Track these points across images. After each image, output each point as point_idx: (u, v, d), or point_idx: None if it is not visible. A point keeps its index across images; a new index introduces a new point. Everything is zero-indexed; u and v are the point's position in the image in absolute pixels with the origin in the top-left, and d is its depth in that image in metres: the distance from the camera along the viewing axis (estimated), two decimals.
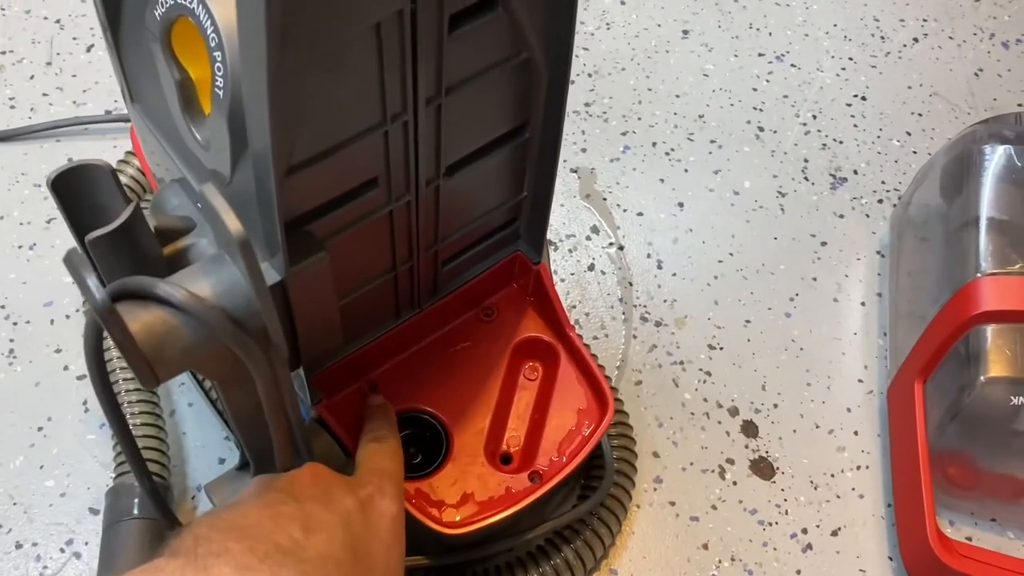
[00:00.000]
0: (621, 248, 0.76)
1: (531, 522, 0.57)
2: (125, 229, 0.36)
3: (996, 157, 0.65)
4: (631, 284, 0.74)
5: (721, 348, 0.71)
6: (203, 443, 0.63)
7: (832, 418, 0.68)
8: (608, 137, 0.83)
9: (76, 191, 0.37)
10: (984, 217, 0.62)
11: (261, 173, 0.36)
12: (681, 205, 0.79)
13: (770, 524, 0.63)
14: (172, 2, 0.37)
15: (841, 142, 0.84)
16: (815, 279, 0.75)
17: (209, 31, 0.36)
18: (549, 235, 0.66)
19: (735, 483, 0.64)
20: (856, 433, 0.67)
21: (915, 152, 0.84)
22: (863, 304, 0.74)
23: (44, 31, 0.86)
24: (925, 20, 0.94)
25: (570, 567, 0.57)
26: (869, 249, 0.77)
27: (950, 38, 0.93)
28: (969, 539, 0.63)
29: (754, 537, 0.62)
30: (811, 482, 0.65)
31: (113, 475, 0.60)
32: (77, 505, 0.60)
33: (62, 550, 0.59)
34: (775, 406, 0.68)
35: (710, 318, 0.72)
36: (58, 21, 0.86)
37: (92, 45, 0.85)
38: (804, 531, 0.63)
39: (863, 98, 0.87)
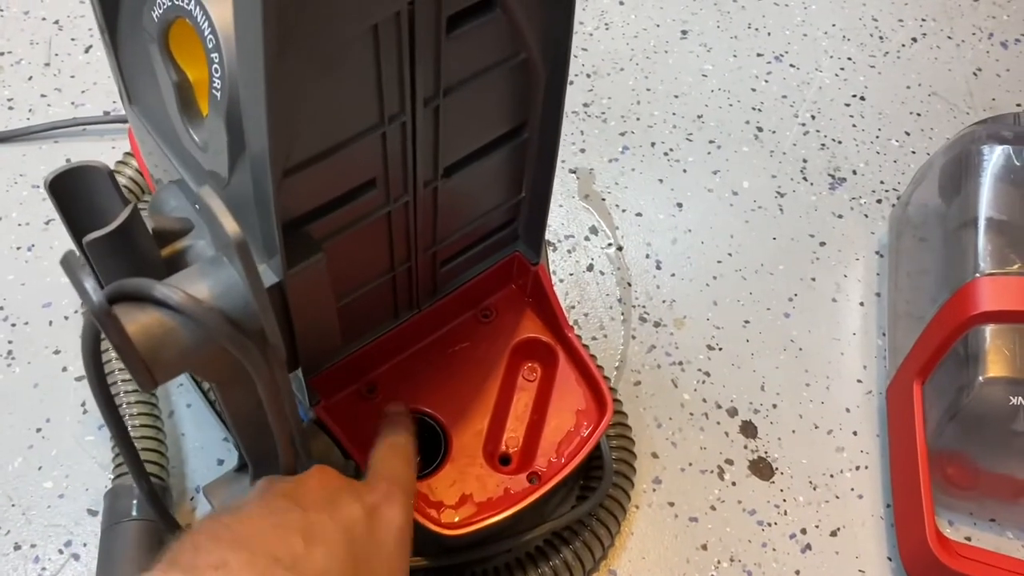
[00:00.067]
0: (620, 248, 0.76)
1: (530, 523, 0.57)
2: (123, 231, 0.36)
3: (995, 157, 0.65)
4: (630, 284, 0.74)
5: (720, 348, 0.71)
6: (202, 444, 0.63)
7: (831, 418, 0.68)
8: (607, 137, 0.83)
9: (74, 193, 0.37)
10: (983, 217, 0.62)
11: (258, 175, 0.36)
12: (680, 205, 0.79)
13: (769, 524, 0.63)
14: (169, 3, 0.37)
15: (840, 142, 0.84)
16: (814, 279, 0.75)
17: (206, 32, 0.36)
18: (548, 235, 0.66)
19: (734, 484, 0.64)
20: (855, 433, 0.67)
21: (914, 152, 0.84)
22: (862, 304, 0.74)
23: (42, 32, 0.85)
24: (924, 20, 0.94)
25: (569, 568, 0.57)
26: (868, 249, 0.77)
27: (949, 38, 0.93)
28: (968, 539, 0.63)
29: (753, 538, 0.62)
30: (810, 482, 0.65)
31: (112, 476, 0.60)
32: (76, 506, 0.60)
33: (60, 551, 0.59)
34: (774, 406, 0.68)
35: (709, 318, 0.72)
36: (56, 22, 0.86)
37: (90, 46, 0.85)
38: (803, 531, 0.63)
39: (862, 98, 0.87)
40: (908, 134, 0.85)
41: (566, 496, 0.61)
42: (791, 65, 0.89)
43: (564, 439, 0.55)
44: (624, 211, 0.78)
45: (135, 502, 0.57)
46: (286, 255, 0.39)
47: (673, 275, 0.74)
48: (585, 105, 0.85)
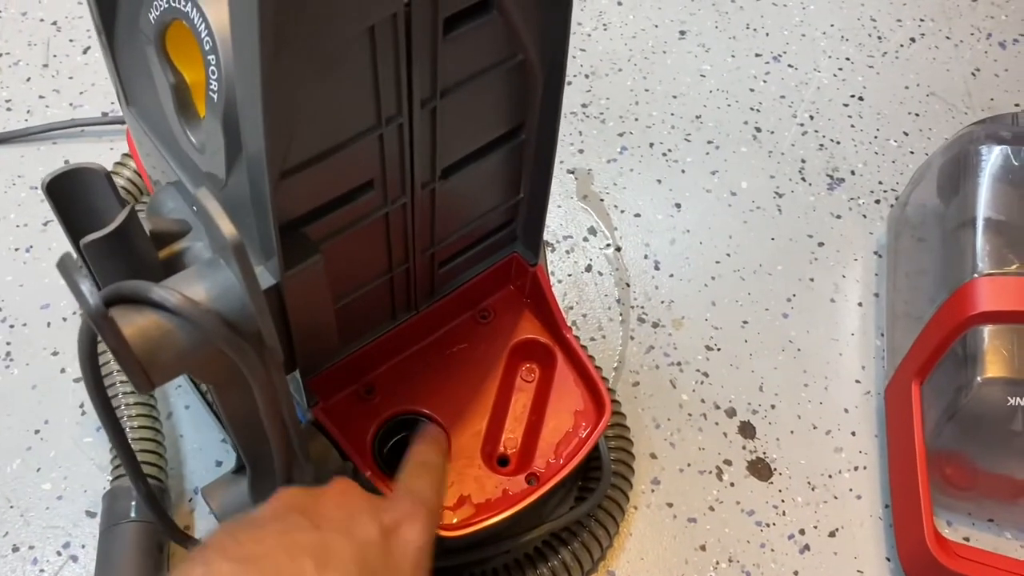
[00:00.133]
0: (618, 249, 0.76)
1: (528, 524, 0.57)
2: (120, 233, 0.36)
3: (993, 157, 0.65)
4: (628, 285, 0.74)
5: (718, 349, 0.71)
6: (200, 446, 0.63)
7: (829, 419, 0.68)
8: (605, 138, 0.83)
9: (71, 195, 0.37)
10: (981, 217, 0.62)
11: (255, 176, 0.36)
12: (678, 206, 0.79)
13: (768, 525, 0.63)
14: (166, 5, 0.37)
15: (838, 142, 0.84)
16: (812, 280, 0.75)
17: (203, 34, 0.36)
18: (546, 236, 0.66)
19: (732, 484, 0.64)
20: (853, 434, 0.67)
21: (912, 152, 0.84)
22: (860, 305, 0.74)
23: (40, 33, 0.85)
24: (922, 20, 0.94)
25: (567, 569, 0.57)
26: (866, 249, 0.77)
27: (947, 38, 0.93)
28: (967, 540, 0.63)
29: (752, 538, 0.62)
30: (808, 483, 0.65)
31: (110, 478, 0.60)
32: (74, 508, 0.60)
33: (59, 553, 0.59)
34: (772, 407, 0.68)
35: (707, 319, 0.72)
36: (55, 23, 0.86)
37: (89, 47, 0.85)
38: (802, 532, 0.63)
39: (860, 98, 0.87)
40: (906, 134, 0.85)
41: (565, 497, 0.61)
42: (789, 65, 0.89)
43: (562, 440, 0.55)
44: (622, 212, 0.78)
45: (134, 504, 0.57)
46: (283, 257, 0.39)
47: (671, 276, 0.74)
48: (583, 106, 0.85)
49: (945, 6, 0.96)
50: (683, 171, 0.81)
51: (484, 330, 0.58)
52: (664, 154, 0.82)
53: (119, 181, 0.70)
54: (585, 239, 0.76)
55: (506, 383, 0.57)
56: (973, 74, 0.90)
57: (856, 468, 0.66)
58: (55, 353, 0.67)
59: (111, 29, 0.44)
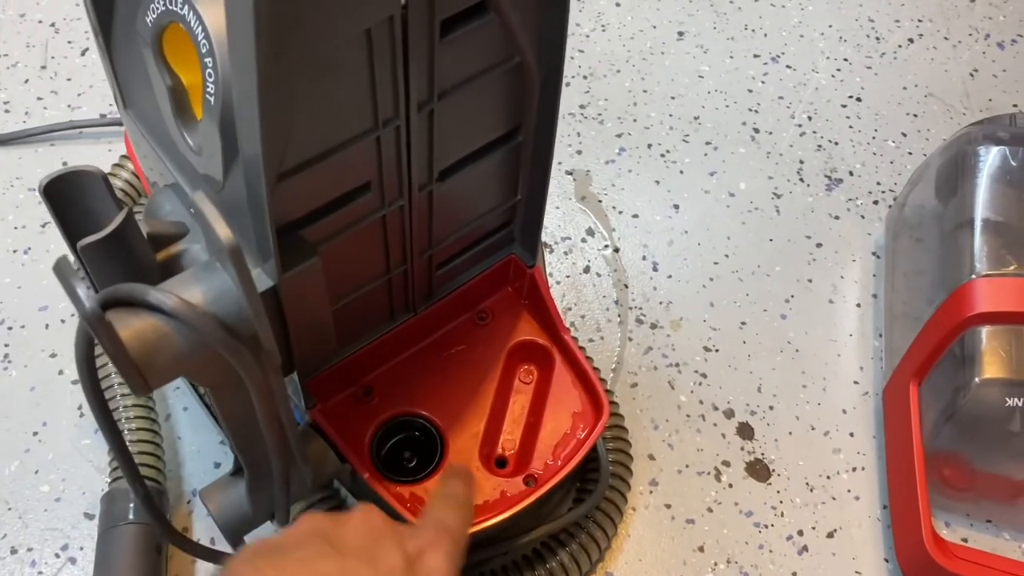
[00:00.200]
0: (616, 250, 0.76)
1: (527, 525, 0.57)
2: (117, 235, 0.36)
3: (991, 158, 0.65)
4: (626, 286, 0.74)
5: (716, 350, 0.71)
6: (198, 448, 0.63)
7: (828, 420, 0.68)
8: (603, 139, 0.83)
9: (68, 197, 0.37)
10: (979, 218, 0.62)
11: (252, 179, 0.36)
12: (676, 207, 0.79)
13: (766, 526, 0.63)
14: (163, 8, 0.37)
15: (836, 143, 0.84)
16: (811, 281, 0.75)
17: (200, 37, 0.36)
18: (544, 237, 0.66)
19: (731, 485, 0.64)
20: (852, 435, 0.67)
21: (910, 153, 0.84)
22: (858, 305, 0.74)
23: (39, 35, 0.85)
24: (920, 21, 0.94)
25: (566, 570, 0.57)
26: (864, 250, 0.77)
27: (945, 39, 0.93)
28: (965, 541, 0.63)
29: (750, 539, 0.62)
30: (807, 484, 0.65)
31: (108, 480, 0.60)
32: (72, 510, 0.60)
33: (57, 555, 0.59)
34: (771, 408, 0.68)
35: (705, 320, 0.72)
36: (53, 25, 0.86)
37: (87, 49, 0.85)
38: (800, 533, 0.63)
39: (858, 99, 0.87)
40: (905, 135, 0.85)
41: (563, 498, 0.61)
42: (788, 66, 0.89)
43: (560, 441, 0.55)
44: (621, 213, 0.78)
45: (132, 506, 0.57)
46: (280, 259, 0.39)
47: (670, 277, 0.74)
48: (582, 107, 0.85)
49: (943, 7, 0.96)
50: (681, 172, 0.81)
51: (482, 332, 0.58)
52: (662, 155, 0.82)
53: (117, 183, 0.70)
54: (583, 240, 0.76)
55: (504, 385, 0.57)
56: (971, 75, 0.90)
57: (854, 469, 0.66)
58: (53, 355, 0.67)
59: (108, 31, 0.44)
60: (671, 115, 0.85)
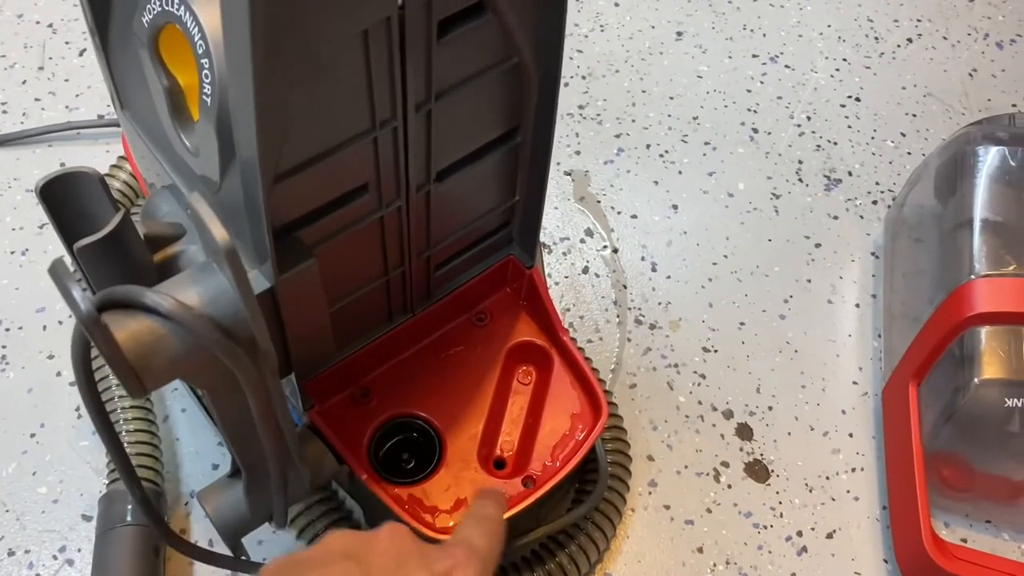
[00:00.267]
0: (615, 251, 0.76)
1: (525, 527, 0.57)
2: (114, 236, 0.35)
3: (990, 158, 0.65)
4: (625, 287, 0.74)
5: (715, 351, 0.71)
6: (196, 449, 0.63)
7: (827, 420, 0.68)
8: (602, 139, 0.83)
9: (65, 198, 0.37)
10: (978, 218, 0.62)
11: (249, 180, 0.36)
12: (675, 207, 0.79)
13: (765, 527, 0.63)
14: (160, 9, 0.37)
15: (835, 143, 0.84)
16: (809, 281, 0.75)
17: (196, 38, 0.35)
18: (543, 238, 0.66)
19: (730, 486, 0.64)
20: (851, 435, 0.67)
21: (909, 153, 0.84)
22: (857, 306, 0.74)
23: (36, 35, 0.85)
24: (919, 20, 0.94)
25: (564, 572, 0.57)
26: (863, 250, 0.77)
27: (944, 38, 0.93)
28: (964, 541, 0.63)
29: (749, 540, 0.62)
30: (806, 485, 0.65)
31: (106, 481, 0.60)
32: (70, 512, 0.60)
33: (55, 557, 0.59)
34: (770, 408, 0.68)
35: (704, 321, 0.72)
36: (50, 25, 0.86)
37: (84, 49, 0.84)
38: (799, 534, 0.63)
39: (857, 99, 0.87)
40: (903, 135, 0.85)
41: (562, 499, 0.61)
42: (786, 66, 0.89)
43: (559, 443, 0.54)
44: (619, 213, 0.78)
45: (130, 507, 0.57)
46: (277, 260, 0.39)
47: (668, 277, 0.74)
48: (580, 107, 0.85)
49: (942, 6, 0.96)
50: (680, 172, 0.81)
51: (480, 333, 0.58)
52: (661, 155, 0.82)
53: (115, 184, 0.70)
54: (582, 241, 0.76)
55: (503, 386, 0.56)
56: (970, 75, 0.90)
57: (853, 469, 0.66)
58: (51, 357, 0.66)
59: (105, 32, 0.44)
60: (670, 115, 0.85)
